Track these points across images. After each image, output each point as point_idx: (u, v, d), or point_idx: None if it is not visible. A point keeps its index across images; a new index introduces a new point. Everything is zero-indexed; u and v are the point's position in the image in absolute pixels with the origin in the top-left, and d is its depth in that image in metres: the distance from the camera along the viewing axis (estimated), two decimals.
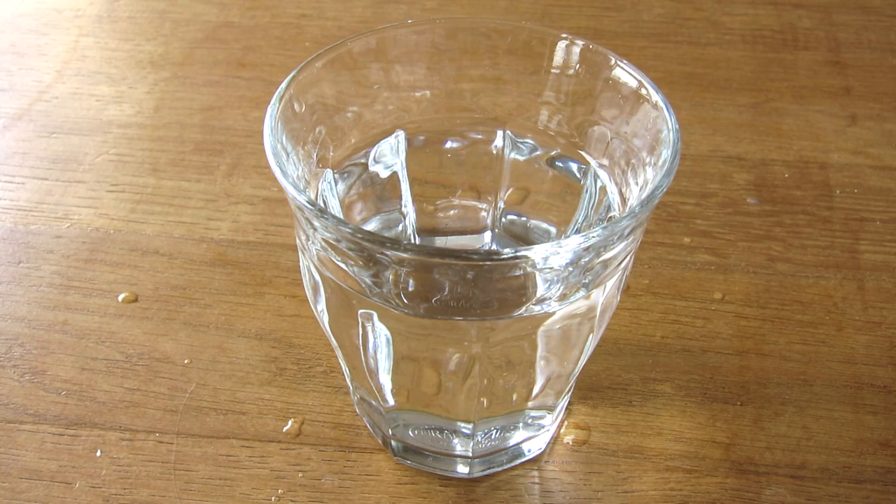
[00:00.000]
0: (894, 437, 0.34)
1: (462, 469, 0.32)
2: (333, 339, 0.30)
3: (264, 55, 0.54)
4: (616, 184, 0.29)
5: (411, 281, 0.25)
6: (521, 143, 0.32)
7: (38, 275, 0.40)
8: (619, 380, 0.36)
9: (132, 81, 0.52)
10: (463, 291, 0.24)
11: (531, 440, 0.33)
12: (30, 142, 0.48)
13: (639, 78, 0.27)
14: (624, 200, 0.28)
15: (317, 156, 0.29)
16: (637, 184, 0.27)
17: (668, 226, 0.42)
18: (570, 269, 0.24)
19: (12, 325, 0.38)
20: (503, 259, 0.22)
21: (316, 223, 0.24)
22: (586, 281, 0.25)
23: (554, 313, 0.26)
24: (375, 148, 0.31)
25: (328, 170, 0.30)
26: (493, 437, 0.31)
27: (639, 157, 0.28)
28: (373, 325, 0.27)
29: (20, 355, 0.36)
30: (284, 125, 0.26)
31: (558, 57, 0.29)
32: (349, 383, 0.33)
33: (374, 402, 0.31)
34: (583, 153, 0.30)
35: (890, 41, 0.55)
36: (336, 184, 0.30)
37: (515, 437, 0.32)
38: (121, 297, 0.39)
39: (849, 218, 0.43)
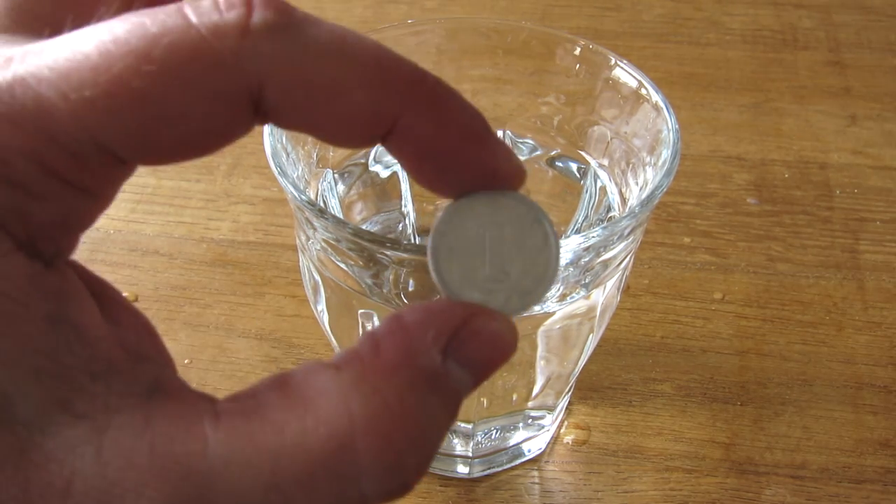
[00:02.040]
0: (894, 437, 0.34)
1: (462, 469, 0.32)
2: (333, 339, 0.30)
3: None
4: (616, 184, 0.29)
5: (411, 281, 0.25)
6: (521, 143, 0.32)
7: None
8: (619, 380, 0.36)
9: None
10: None
11: (531, 440, 0.33)
12: None
13: (639, 78, 0.27)
14: (624, 200, 0.28)
15: (317, 156, 0.29)
16: (637, 184, 0.27)
17: (668, 226, 0.42)
18: (570, 268, 0.24)
19: None
20: None
21: (316, 223, 0.24)
22: (586, 281, 0.25)
23: (554, 313, 0.26)
24: (375, 148, 0.31)
25: (328, 170, 0.30)
26: (493, 437, 0.31)
27: (639, 157, 0.28)
28: (373, 325, 0.27)
29: None
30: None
31: (558, 57, 0.29)
32: None
33: None
34: (583, 153, 0.30)
35: (890, 41, 0.55)
36: (336, 184, 0.30)
37: (515, 437, 0.32)
38: None
39: (849, 218, 0.43)
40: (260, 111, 0.15)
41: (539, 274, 0.17)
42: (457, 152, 0.16)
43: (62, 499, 0.13)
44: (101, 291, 0.15)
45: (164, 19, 0.14)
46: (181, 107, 0.14)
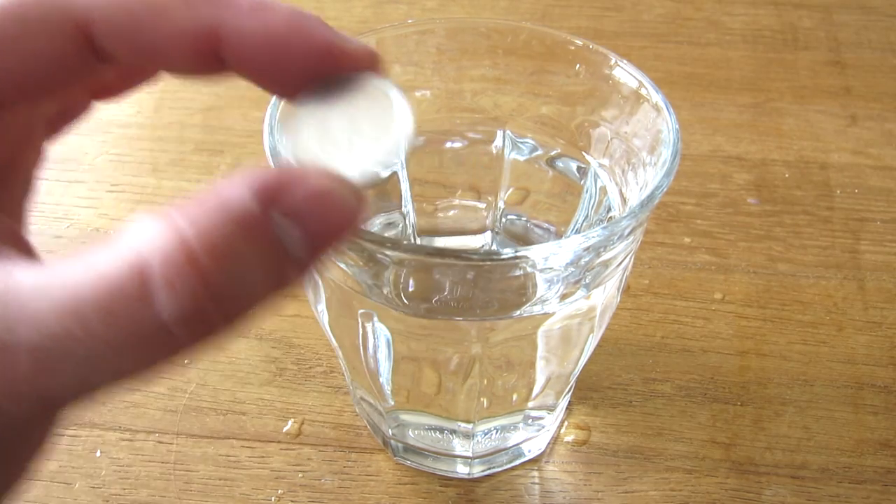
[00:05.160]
0: (894, 438, 0.34)
1: (462, 469, 0.32)
2: (333, 339, 0.30)
3: None
4: (616, 184, 0.29)
5: (411, 281, 0.25)
6: (521, 143, 0.32)
7: None
8: (619, 380, 0.36)
9: None
10: (463, 292, 0.24)
11: (531, 440, 0.33)
12: None
13: (639, 78, 0.27)
14: (624, 200, 0.28)
15: None
16: (637, 184, 0.27)
17: (668, 226, 0.42)
18: (571, 269, 0.24)
19: None
20: (503, 259, 0.22)
21: None
22: (586, 281, 0.25)
23: (554, 313, 0.26)
24: None
25: None
26: (493, 437, 0.31)
27: (639, 157, 0.28)
28: (373, 325, 0.27)
29: None
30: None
31: (558, 57, 0.29)
32: (349, 383, 0.33)
33: (374, 402, 0.31)
34: (583, 153, 0.30)
35: (890, 41, 0.55)
36: None
37: (515, 437, 0.32)
38: None
39: (849, 218, 0.43)
40: (98, 48, 0.17)
41: (388, 145, 0.18)
42: (288, 44, 0.18)
43: None
44: None
45: None
46: (19, 37, 0.17)
